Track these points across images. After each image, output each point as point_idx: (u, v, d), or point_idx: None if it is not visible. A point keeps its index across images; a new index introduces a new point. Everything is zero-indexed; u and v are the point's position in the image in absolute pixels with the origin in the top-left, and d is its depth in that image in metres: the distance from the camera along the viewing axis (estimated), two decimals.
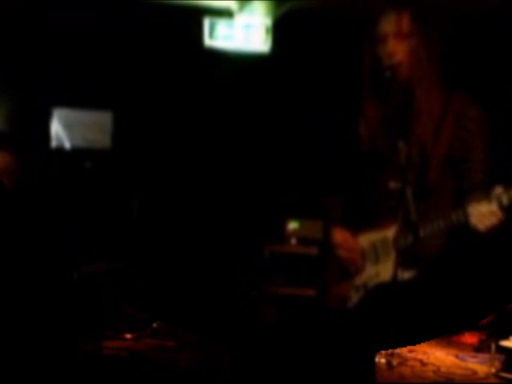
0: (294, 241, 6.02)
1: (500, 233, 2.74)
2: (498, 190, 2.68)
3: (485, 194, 2.69)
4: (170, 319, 5.53)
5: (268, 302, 5.84)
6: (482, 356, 5.35)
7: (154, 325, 5.73)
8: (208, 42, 6.30)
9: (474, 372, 5.09)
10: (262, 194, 6.29)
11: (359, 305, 2.98)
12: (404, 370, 5.08)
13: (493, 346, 5.02)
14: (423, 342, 4.79)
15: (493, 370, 4.98)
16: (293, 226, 6.03)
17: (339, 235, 3.03)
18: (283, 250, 6.01)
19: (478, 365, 5.22)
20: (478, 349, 5.57)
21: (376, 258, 2.95)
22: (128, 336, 5.52)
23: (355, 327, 2.96)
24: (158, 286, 5.85)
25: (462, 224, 2.73)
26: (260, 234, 6.09)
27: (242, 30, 6.30)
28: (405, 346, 4.69)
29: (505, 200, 2.65)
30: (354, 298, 3.00)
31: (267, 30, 6.32)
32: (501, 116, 4.77)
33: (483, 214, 2.69)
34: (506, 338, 5.09)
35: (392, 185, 2.90)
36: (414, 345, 5.00)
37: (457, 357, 5.45)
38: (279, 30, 6.32)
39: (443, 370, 5.14)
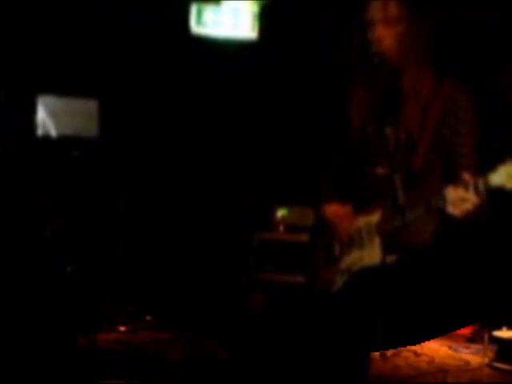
0: (282, 228, 5.96)
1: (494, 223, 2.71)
2: (466, 176, 2.63)
3: (462, 180, 2.64)
4: (158, 313, 5.47)
5: (257, 289, 5.79)
6: (475, 346, 5.39)
7: (148, 317, 5.68)
8: (195, 28, 6.19)
9: (467, 362, 5.13)
10: (250, 180, 6.23)
11: (348, 292, 2.99)
12: (398, 360, 5.11)
13: (486, 337, 5.09)
14: (419, 339, 4.78)
15: (486, 361, 5.02)
16: (281, 213, 5.97)
17: (332, 209, 3.05)
18: (272, 237, 5.96)
19: (471, 355, 5.26)
20: (471, 339, 5.60)
21: (361, 242, 2.96)
22: (122, 328, 5.50)
23: (349, 318, 2.96)
24: (145, 279, 5.78)
25: (441, 210, 2.70)
26: (248, 222, 6.03)
27: (230, 16, 6.18)
28: (401, 344, 4.65)
29: (480, 186, 2.57)
30: (339, 282, 3.02)
31: (255, 17, 6.21)
32: (490, 102, 4.73)
33: (458, 199, 2.63)
34: (498, 328, 5.16)
35: (380, 171, 2.91)
36: (412, 343, 4.99)
37: (450, 347, 5.48)
38: (267, 16, 6.21)
39: (437, 360, 5.17)
